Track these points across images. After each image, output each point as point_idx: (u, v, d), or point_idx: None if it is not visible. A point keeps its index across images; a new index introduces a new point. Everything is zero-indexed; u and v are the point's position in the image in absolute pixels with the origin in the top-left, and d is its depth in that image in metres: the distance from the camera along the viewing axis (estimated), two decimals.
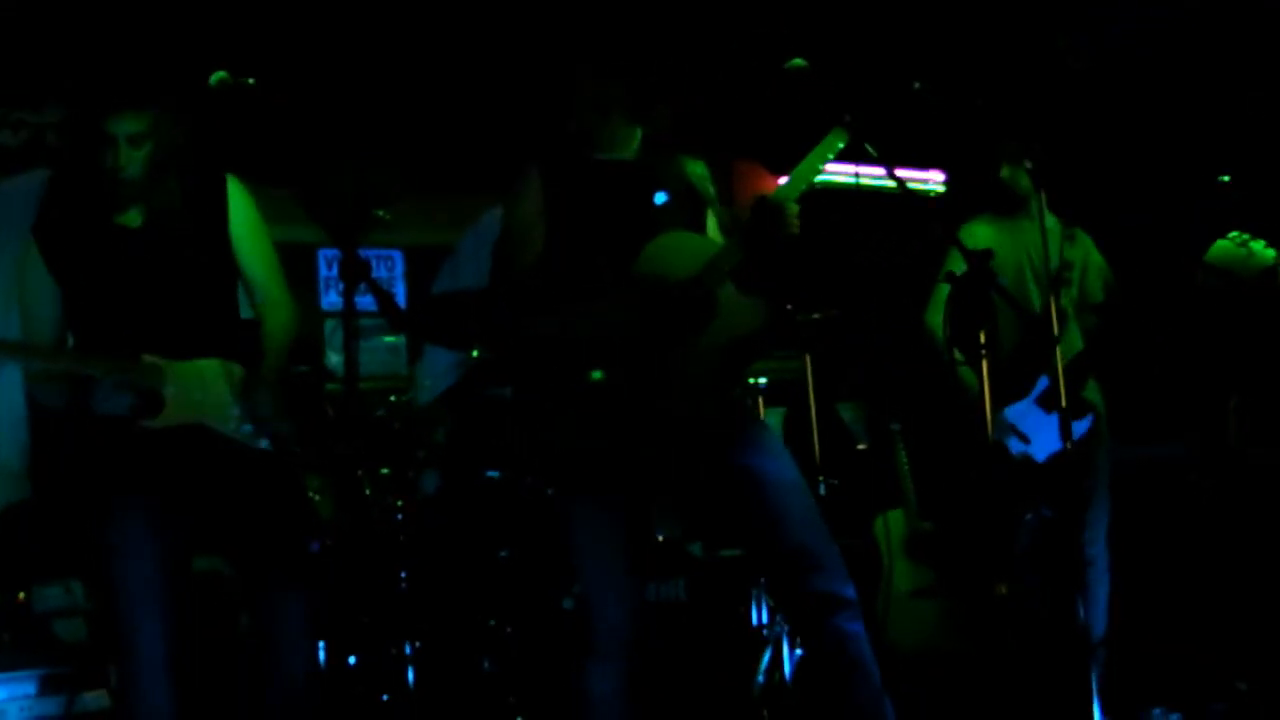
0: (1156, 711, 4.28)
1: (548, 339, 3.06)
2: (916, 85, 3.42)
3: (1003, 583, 4.02)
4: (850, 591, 3.13)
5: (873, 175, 3.45)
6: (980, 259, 3.24)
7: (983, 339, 3.36)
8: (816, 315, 4.46)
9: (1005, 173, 4.49)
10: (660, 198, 3.19)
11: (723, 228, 3.30)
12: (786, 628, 4.49)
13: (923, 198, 4.83)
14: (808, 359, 4.67)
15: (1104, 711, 3.80)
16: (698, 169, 3.31)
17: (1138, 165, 5.82)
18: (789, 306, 3.13)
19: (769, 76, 3.31)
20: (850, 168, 3.50)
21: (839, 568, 3.14)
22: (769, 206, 3.08)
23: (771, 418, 5.13)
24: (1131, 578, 4.76)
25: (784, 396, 4.90)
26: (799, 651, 4.53)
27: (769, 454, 3.18)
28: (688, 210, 3.26)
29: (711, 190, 3.31)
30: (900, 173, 3.29)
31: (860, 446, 5.43)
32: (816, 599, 3.10)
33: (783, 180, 3.17)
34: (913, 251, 4.78)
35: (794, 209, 3.10)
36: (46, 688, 4.11)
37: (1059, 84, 5.88)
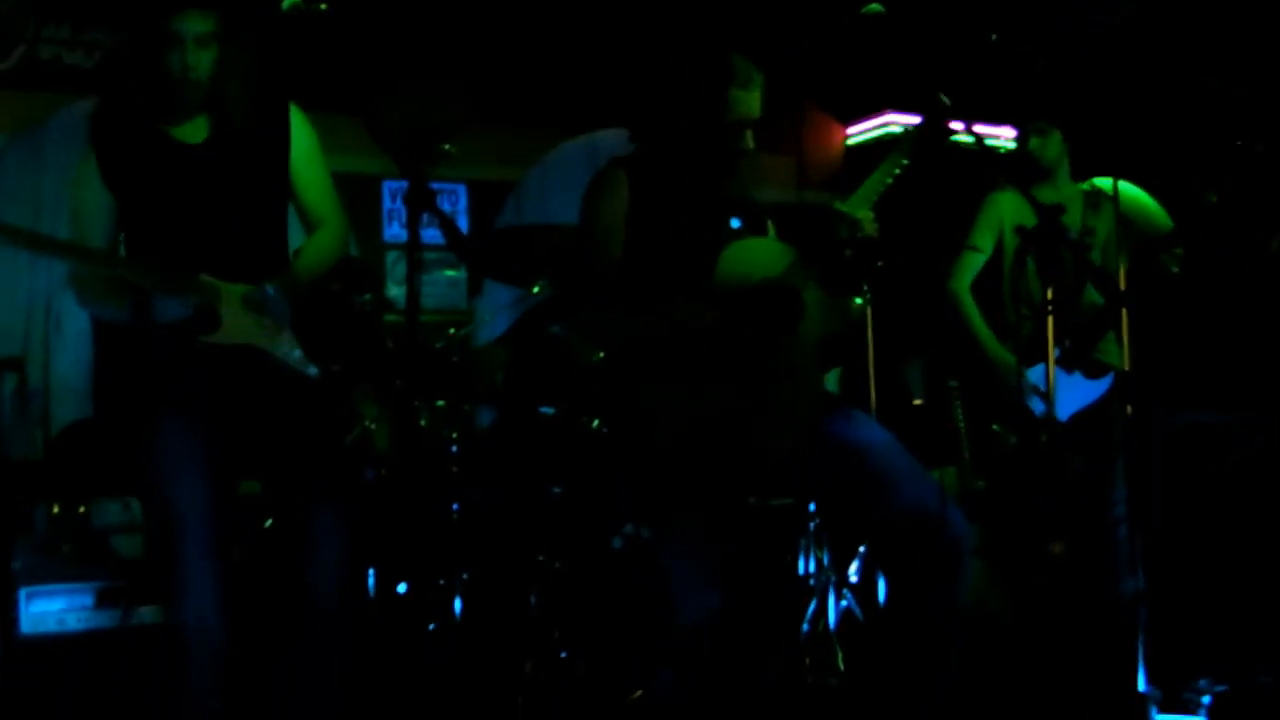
0: (1203, 682, 4.24)
1: (639, 337, 3.07)
2: (994, 37, 3.39)
3: (1057, 543, 4.00)
4: (968, 532, 3.14)
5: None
6: (1053, 213, 3.22)
7: (1050, 295, 3.34)
8: (879, 263, 4.44)
9: (1033, 143, 4.51)
10: (735, 223, 3.23)
11: (780, 234, 3.34)
12: (834, 576, 4.50)
13: (995, 153, 4.78)
14: (868, 311, 4.65)
15: (1149, 679, 3.79)
16: (756, 182, 3.35)
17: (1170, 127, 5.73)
18: (848, 251, 3.14)
19: (844, 22, 3.28)
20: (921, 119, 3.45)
21: (956, 512, 3.15)
22: (834, 218, 3.11)
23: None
24: (1183, 547, 4.72)
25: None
26: (844, 602, 4.54)
27: (862, 425, 3.19)
28: (754, 227, 3.32)
29: (769, 199, 3.36)
30: (977, 127, 3.26)
31: (916, 402, 5.40)
32: (940, 554, 3.10)
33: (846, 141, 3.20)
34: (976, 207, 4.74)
35: (867, 215, 3.15)
36: (104, 600, 4.17)
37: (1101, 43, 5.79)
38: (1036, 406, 4.32)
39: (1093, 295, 4.37)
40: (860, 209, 3.14)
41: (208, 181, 3.13)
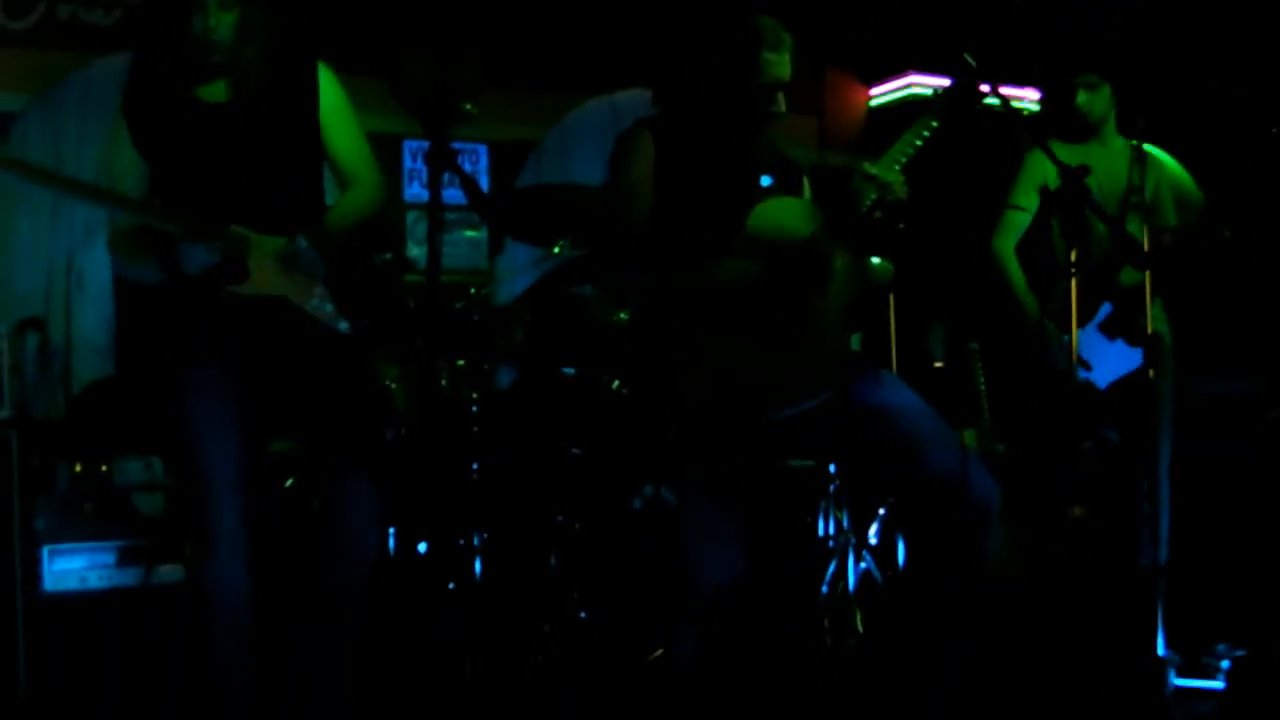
0: (1221, 647, 4.24)
1: (669, 296, 3.06)
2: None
3: (1078, 506, 3.99)
4: (995, 497, 3.15)
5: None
6: (1076, 175, 3.19)
7: (1074, 257, 3.32)
8: (901, 226, 4.41)
9: (1082, 98, 4.44)
10: (766, 180, 3.19)
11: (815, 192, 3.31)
12: (853, 539, 4.50)
13: (1020, 115, 4.74)
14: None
15: (1168, 644, 3.79)
16: (786, 142, 3.31)
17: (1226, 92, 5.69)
18: (901, 225, 3.13)
19: None
20: (947, 81, 3.42)
21: (984, 476, 3.15)
22: (865, 180, 3.08)
23: None
24: (1202, 513, 4.71)
25: (864, 314, 4.86)
26: (863, 564, 4.54)
27: (890, 388, 3.18)
28: (787, 184, 3.28)
29: (803, 159, 3.31)
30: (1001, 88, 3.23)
31: (937, 364, 5.38)
32: (965, 519, 3.11)
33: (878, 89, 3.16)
34: (1000, 169, 4.71)
35: (898, 178, 3.11)
36: (125, 558, 4.21)
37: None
38: (1077, 373, 4.26)
39: None
40: (890, 171, 3.11)
41: (236, 140, 3.12)
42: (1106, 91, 4.47)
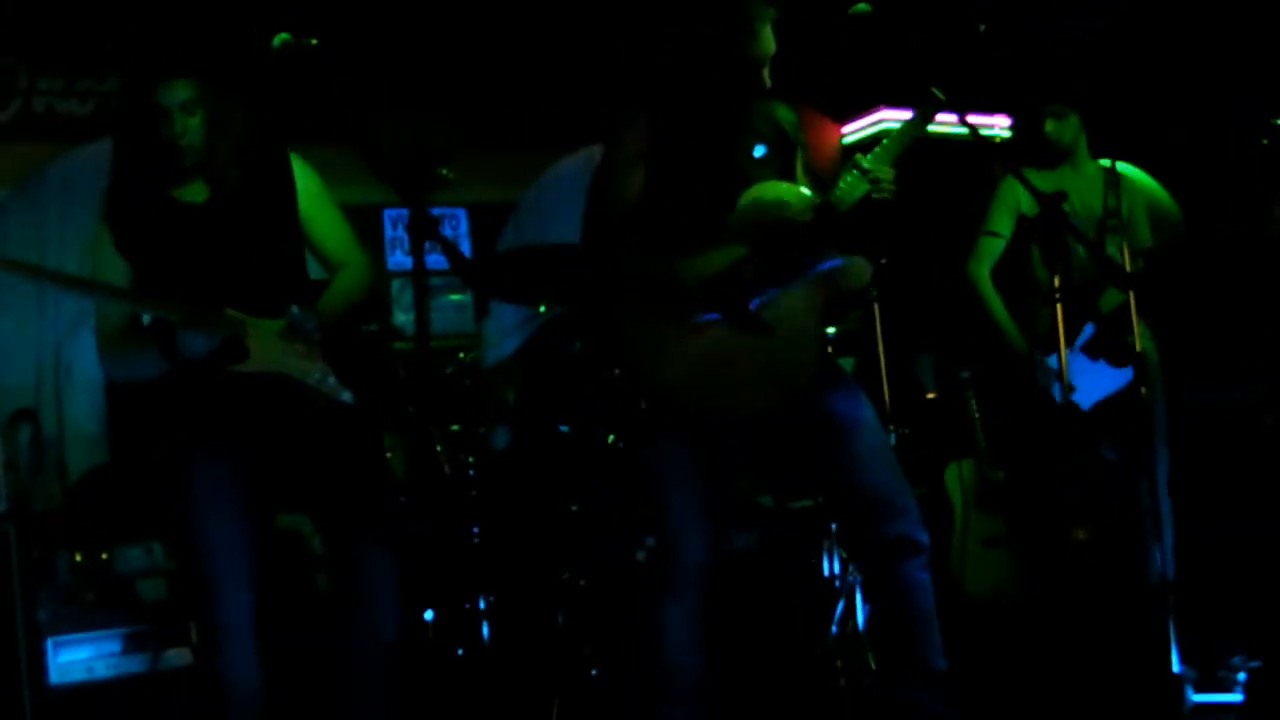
0: (1236, 659, 4.23)
1: (653, 281, 3.05)
2: (982, 28, 3.38)
3: (1081, 528, 3.98)
4: (924, 537, 3.14)
5: (940, 120, 3.40)
6: (1054, 201, 3.21)
7: (1057, 282, 3.33)
8: (882, 261, 4.43)
9: (1050, 126, 4.49)
10: (760, 150, 3.18)
11: (808, 173, 3.29)
12: (859, 579, 4.48)
13: (991, 143, 4.79)
14: (875, 307, 4.65)
15: (1182, 660, 3.77)
16: (788, 115, 3.28)
17: (1192, 106, 5.72)
18: (883, 260, 3.12)
19: (833, 22, 3.28)
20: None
21: (915, 512, 3.15)
22: (859, 171, 3.09)
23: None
24: (1208, 523, 4.71)
25: (853, 346, 4.87)
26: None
27: (851, 398, 3.17)
28: (781, 158, 3.24)
29: (802, 137, 3.29)
30: (970, 118, 3.25)
31: (930, 395, 5.38)
32: (891, 543, 3.10)
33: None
34: (980, 197, 4.74)
35: (888, 174, 3.11)
36: (131, 645, 4.19)
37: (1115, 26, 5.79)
38: (1058, 393, 4.30)
39: None
40: (883, 167, 3.10)
41: (217, 238, 3.13)
42: (1074, 119, 4.52)
